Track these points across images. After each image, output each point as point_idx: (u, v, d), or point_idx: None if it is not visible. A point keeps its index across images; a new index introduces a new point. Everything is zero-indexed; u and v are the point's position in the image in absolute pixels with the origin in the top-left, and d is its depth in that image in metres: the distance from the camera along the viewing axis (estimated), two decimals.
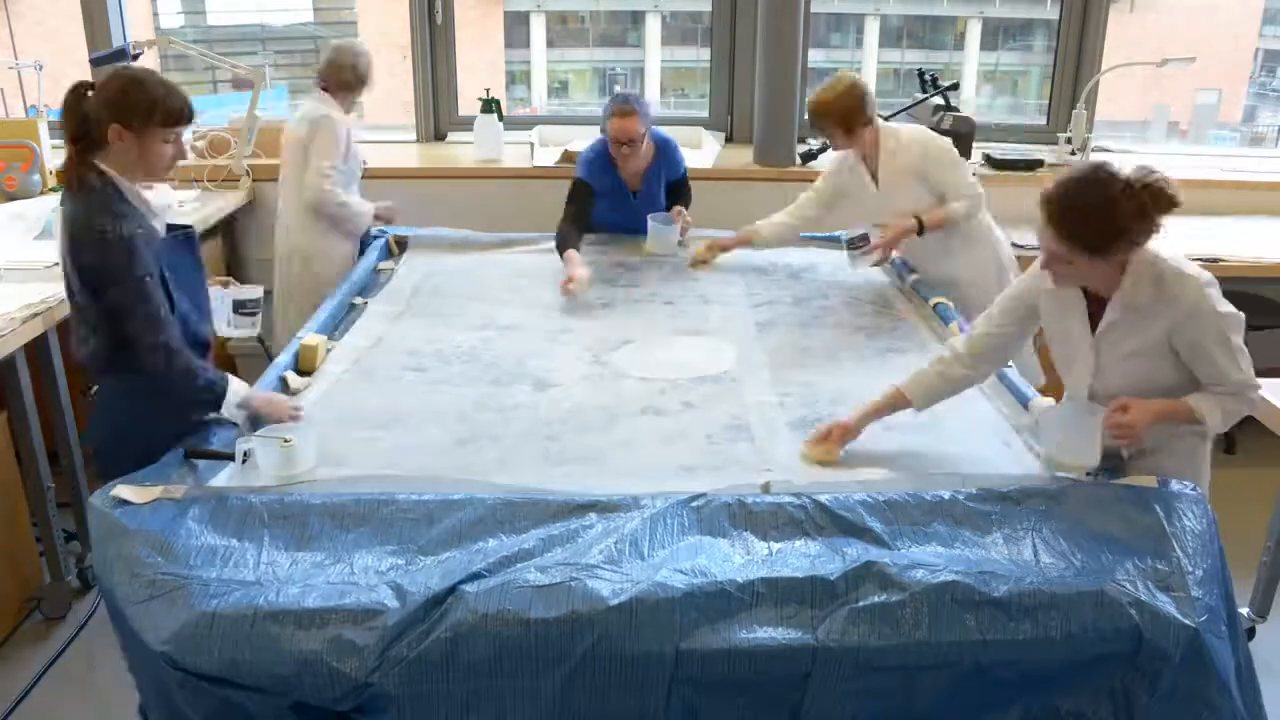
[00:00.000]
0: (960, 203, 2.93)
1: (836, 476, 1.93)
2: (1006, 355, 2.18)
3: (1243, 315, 1.92)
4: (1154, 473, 1.82)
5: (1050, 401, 1.96)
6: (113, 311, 1.90)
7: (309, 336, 2.51)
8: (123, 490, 1.72)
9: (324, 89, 3.30)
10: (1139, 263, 1.89)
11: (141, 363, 1.91)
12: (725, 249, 3.33)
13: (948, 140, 2.99)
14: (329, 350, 2.53)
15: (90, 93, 1.94)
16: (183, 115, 1.97)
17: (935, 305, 2.87)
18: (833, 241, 3.51)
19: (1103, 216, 1.80)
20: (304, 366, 2.42)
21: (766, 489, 1.82)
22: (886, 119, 3.09)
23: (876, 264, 3.12)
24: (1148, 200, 1.83)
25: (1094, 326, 1.95)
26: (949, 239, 3.01)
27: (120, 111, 1.90)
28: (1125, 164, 1.87)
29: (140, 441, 1.90)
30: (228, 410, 2.00)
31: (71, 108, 1.93)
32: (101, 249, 1.87)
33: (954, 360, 2.09)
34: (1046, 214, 1.83)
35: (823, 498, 1.72)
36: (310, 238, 3.34)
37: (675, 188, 3.45)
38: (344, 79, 3.30)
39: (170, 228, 2.13)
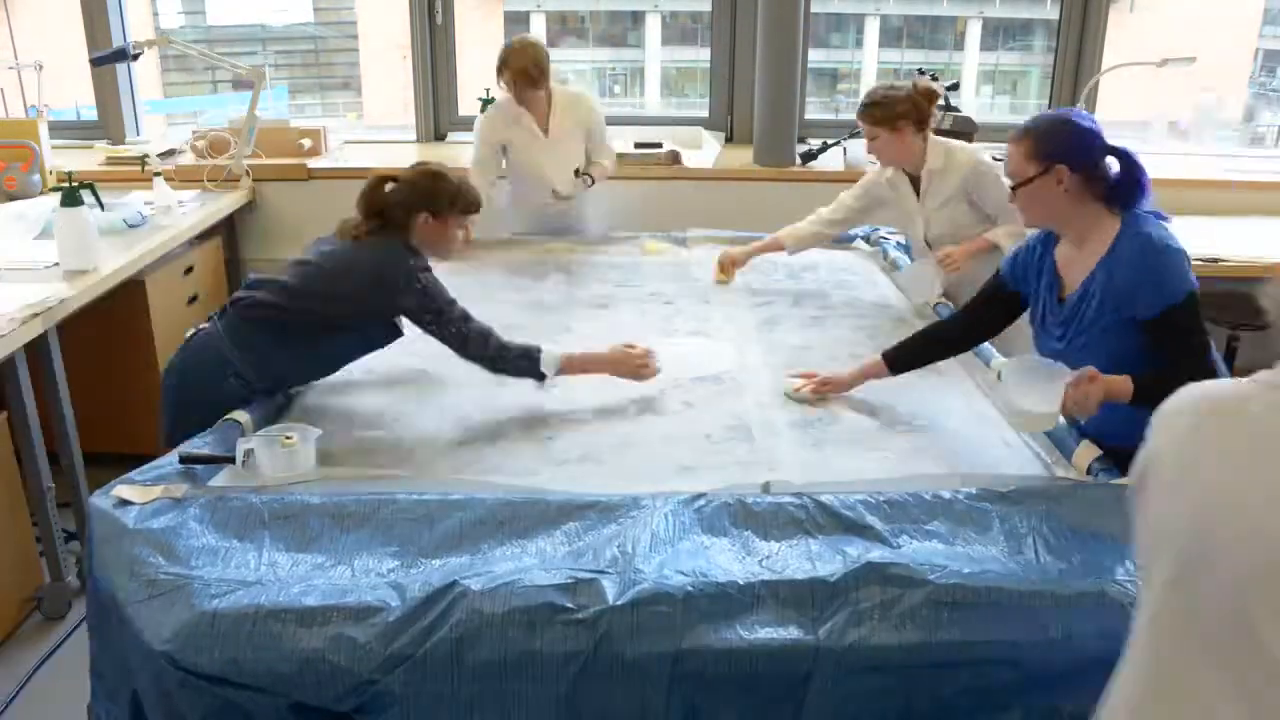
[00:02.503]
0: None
1: (836, 477, 1.93)
2: (848, 227, 3.21)
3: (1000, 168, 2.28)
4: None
5: (1013, 359, 1.99)
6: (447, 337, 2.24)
7: None
8: (123, 490, 1.72)
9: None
10: (933, 144, 2.84)
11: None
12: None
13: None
14: None
15: (391, 185, 2.27)
16: (478, 206, 2.37)
17: (935, 305, 2.87)
18: (843, 241, 3.52)
19: (889, 105, 2.77)
20: None
21: (766, 489, 1.82)
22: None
23: (939, 291, 2.87)
24: (921, 97, 2.79)
25: (917, 194, 2.86)
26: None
27: (428, 200, 2.26)
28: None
29: None
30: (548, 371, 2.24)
31: (370, 197, 2.27)
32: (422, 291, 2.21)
33: (819, 221, 3.09)
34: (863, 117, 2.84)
35: (823, 497, 1.72)
36: None
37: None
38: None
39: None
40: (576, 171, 3.42)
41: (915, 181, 2.92)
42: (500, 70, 3.27)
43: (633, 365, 2.32)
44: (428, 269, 2.25)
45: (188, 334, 2.30)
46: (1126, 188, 1.93)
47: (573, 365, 2.28)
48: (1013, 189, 1.98)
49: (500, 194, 3.55)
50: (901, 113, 2.79)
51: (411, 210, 2.25)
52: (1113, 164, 1.93)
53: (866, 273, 3.27)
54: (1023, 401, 1.89)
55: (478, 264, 3.30)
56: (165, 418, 2.28)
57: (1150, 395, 1.69)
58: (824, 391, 2.30)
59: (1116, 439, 1.88)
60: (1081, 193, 1.93)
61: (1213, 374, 1.86)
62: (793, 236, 3.15)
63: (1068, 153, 1.91)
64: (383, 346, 2.33)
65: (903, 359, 2.26)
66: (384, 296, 2.20)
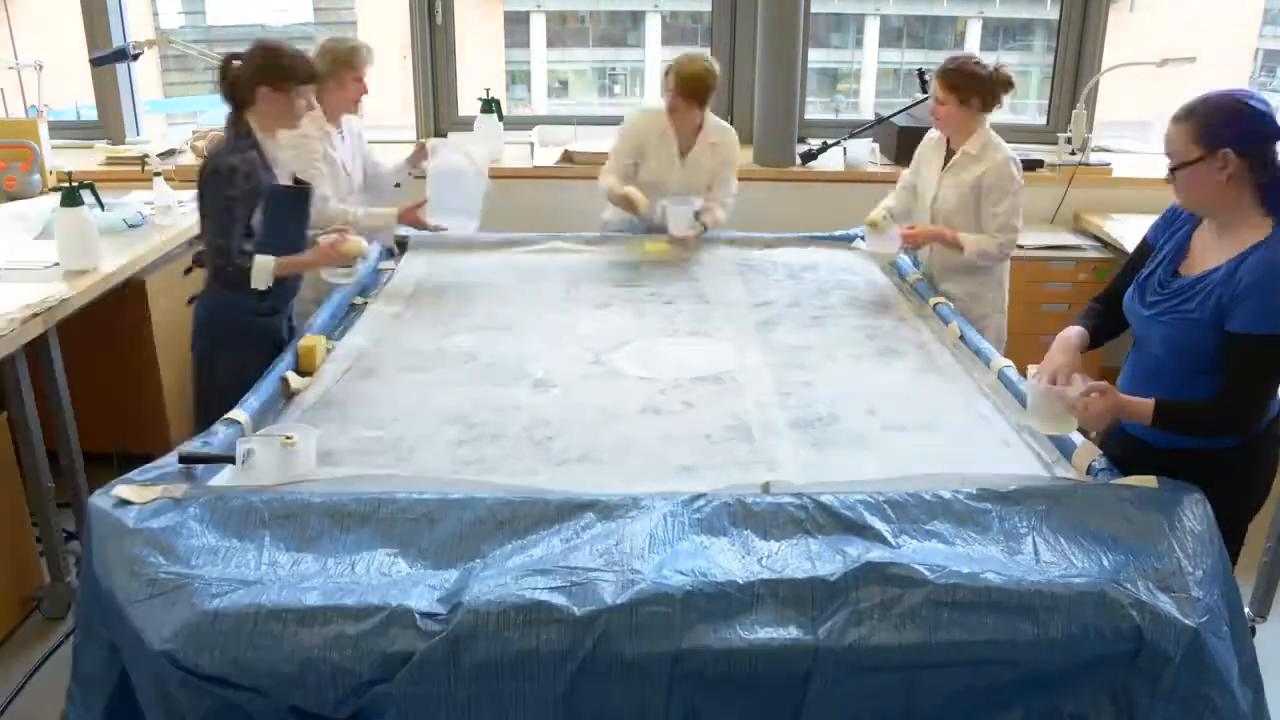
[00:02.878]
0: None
1: (836, 477, 1.93)
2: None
3: (1023, 186, 2.94)
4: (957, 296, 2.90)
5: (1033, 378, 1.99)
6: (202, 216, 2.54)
7: (307, 337, 2.50)
8: (123, 490, 1.72)
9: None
10: (982, 130, 2.95)
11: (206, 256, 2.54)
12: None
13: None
14: (329, 350, 2.53)
15: (236, 62, 2.51)
16: (315, 76, 2.63)
17: (935, 305, 2.87)
18: (842, 241, 3.52)
19: (972, 79, 2.87)
20: (304, 367, 2.42)
21: (766, 489, 1.82)
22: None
23: (894, 251, 3.13)
24: (999, 84, 2.89)
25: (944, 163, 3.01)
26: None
27: (267, 73, 2.50)
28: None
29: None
30: (259, 279, 2.48)
31: (221, 75, 2.54)
32: (211, 174, 2.48)
33: (888, 210, 3.15)
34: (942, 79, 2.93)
35: (823, 497, 1.72)
36: None
37: None
38: None
39: (292, 184, 2.65)
40: (696, 214, 3.33)
41: (949, 154, 3.03)
42: (667, 74, 3.22)
43: (335, 254, 2.62)
44: (238, 166, 2.44)
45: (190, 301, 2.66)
46: None
47: (282, 267, 2.52)
48: (1172, 170, 1.86)
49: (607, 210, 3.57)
50: (978, 90, 2.88)
51: (253, 84, 2.49)
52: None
53: (866, 273, 3.27)
54: (1041, 409, 1.92)
55: (478, 264, 3.31)
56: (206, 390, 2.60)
57: (1173, 422, 1.87)
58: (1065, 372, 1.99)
59: (1148, 435, 1.93)
60: (1244, 180, 1.81)
61: (1255, 414, 1.85)
62: (880, 220, 3.11)
63: (1237, 137, 1.79)
64: (303, 205, 2.65)
65: (1101, 332, 2.11)
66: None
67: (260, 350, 2.56)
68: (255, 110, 2.52)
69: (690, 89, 3.18)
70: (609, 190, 3.36)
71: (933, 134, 3.14)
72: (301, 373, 2.39)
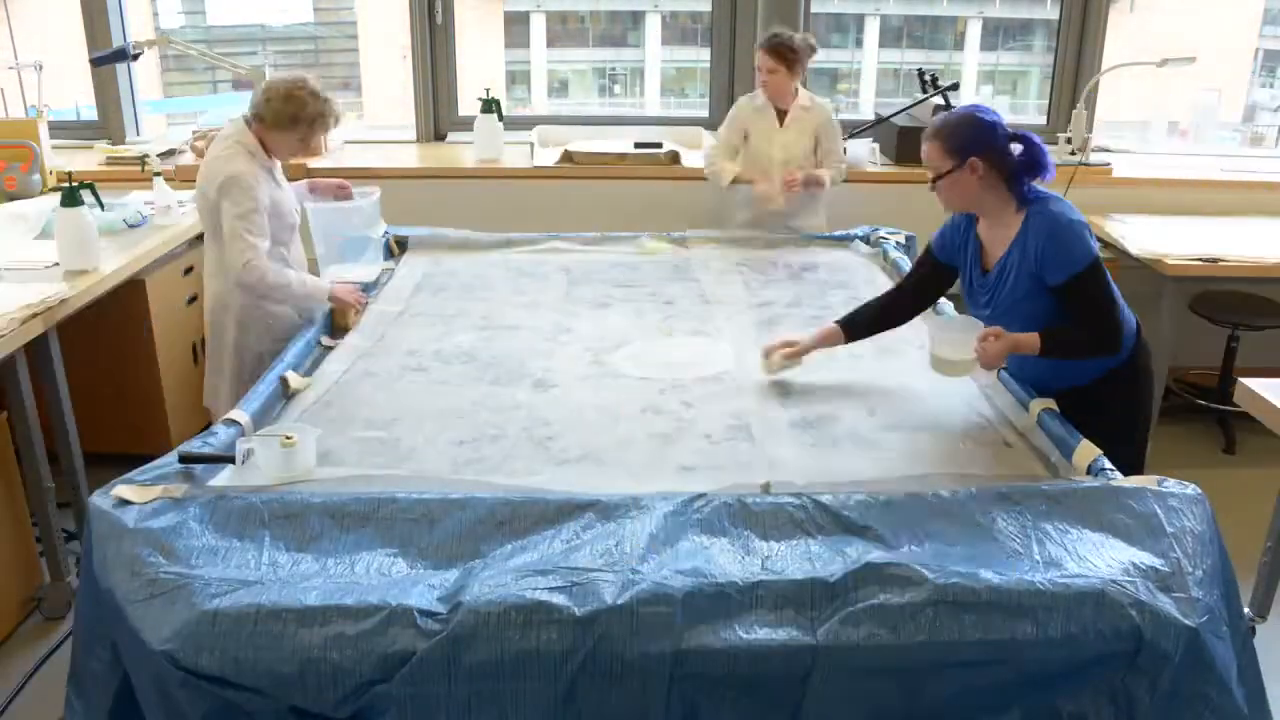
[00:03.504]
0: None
1: (836, 477, 1.93)
2: (734, 152, 3.63)
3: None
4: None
5: (938, 318, 2.23)
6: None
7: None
8: (123, 490, 1.72)
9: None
10: (801, 90, 3.54)
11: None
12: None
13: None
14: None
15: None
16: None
17: (935, 305, 2.87)
18: (843, 241, 3.53)
19: (796, 50, 3.42)
20: (339, 322, 2.72)
21: (766, 489, 1.82)
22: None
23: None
24: (808, 53, 3.48)
25: (781, 123, 3.53)
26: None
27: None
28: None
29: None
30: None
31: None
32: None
33: (719, 151, 3.66)
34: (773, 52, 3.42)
35: (823, 498, 1.72)
36: None
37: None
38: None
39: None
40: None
41: (780, 115, 3.55)
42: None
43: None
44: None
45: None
46: (1030, 168, 2.17)
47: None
48: (933, 180, 2.20)
49: None
50: (800, 60, 3.44)
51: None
52: (1016, 148, 2.17)
53: (866, 273, 3.27)
54: (942, 351, 2.21)
55: (478, 263, 3.31)
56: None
57: (1057, 348, 2.16)
58: (792, 356, 2.41)
59: (1058, 383, 2.23)
60: (994, 178, 2.16)
61: (1116, 330, 2.15)
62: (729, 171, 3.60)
63: (978, 145, 2.14)
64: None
65: (858, 327, 2.45)
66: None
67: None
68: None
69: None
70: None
71: (756, 100, 3.58)
72: (336, 329, 2.69)
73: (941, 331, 2.23)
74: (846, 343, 2.43)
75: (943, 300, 2.60)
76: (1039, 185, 2.21)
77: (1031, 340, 2.12)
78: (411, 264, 3.29)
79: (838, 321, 2.44)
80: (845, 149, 3.77)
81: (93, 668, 1.64)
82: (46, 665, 2.55)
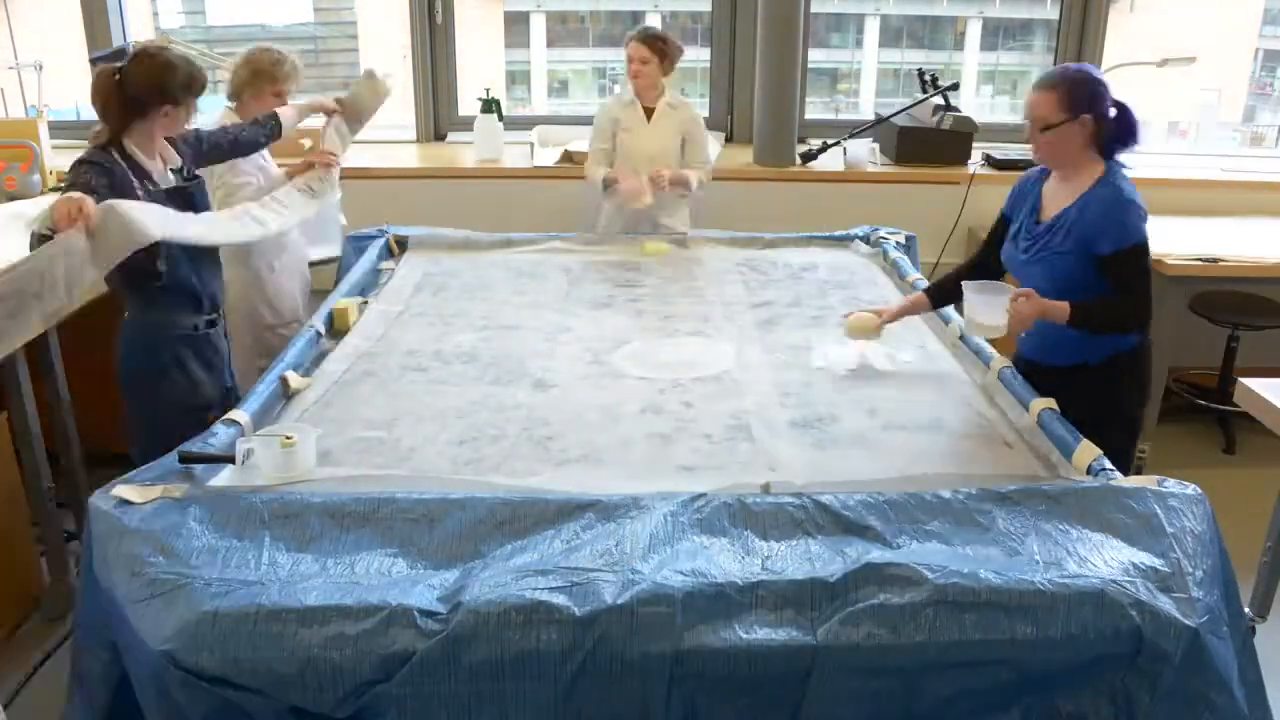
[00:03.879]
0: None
1: (836, 477, 1.93)
2: (609, 157, 3.57)
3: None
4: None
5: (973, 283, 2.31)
6: None
7: (340, 300, 2.75)
8: (123, 490, 1.72)
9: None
10: (669, 87, 3.53)
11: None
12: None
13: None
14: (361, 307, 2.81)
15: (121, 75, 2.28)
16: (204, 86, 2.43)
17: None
18: (843, 241, 3.53)
19: (668, 44, 3.45)
20: (338, 326, 2.69)
21: (766, 489, 1.82)
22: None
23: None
24: (678, 51, 3.50)
25: (649, 119, 3.55)
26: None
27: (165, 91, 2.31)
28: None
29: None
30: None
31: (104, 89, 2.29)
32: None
33: (597, 156, 3.59)
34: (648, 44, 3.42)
35: (823, 498, 1.72)
36: None
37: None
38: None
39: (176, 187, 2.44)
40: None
41: (648, 113, 3.53)
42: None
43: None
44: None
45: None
46: (1122, 135, 2.24)
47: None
48: (1041, 131, 2.22)
49: None
50: (672, 54, 3.44)
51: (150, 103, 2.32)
52: (1115, 116, 2.23)
53: (866, 273, 3.27)
54: (976, 314, 2.27)
55: (478, 263, 3.31)
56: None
57: (1086, 319, 2.21)
58: (880, 326, 2.55)
59: (1052, 358, 2.34)
60: (1091, 139, 2.22)
61: (1143, 312, 2.23)
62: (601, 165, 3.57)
63: (1093, 103, 2.20)
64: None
65: (944, 293, 2.57)
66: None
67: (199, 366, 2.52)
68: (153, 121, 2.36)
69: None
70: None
71: (623, 97, 3.58)
72: (335, 332, 2.65)
73: (974, 296, 2.28)
74: (934, 309, 2.62)
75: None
76: (1123, 157, 2.28)
77: (1061, 308, 2.17)
78: (411, 264, 3.29)
79: (925, 290, 2.61)
80: (711, 154, 3.70)
81: (93, 668, 1.64)
82: (46, 665, 2.55)
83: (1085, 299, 2.20)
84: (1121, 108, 2.23)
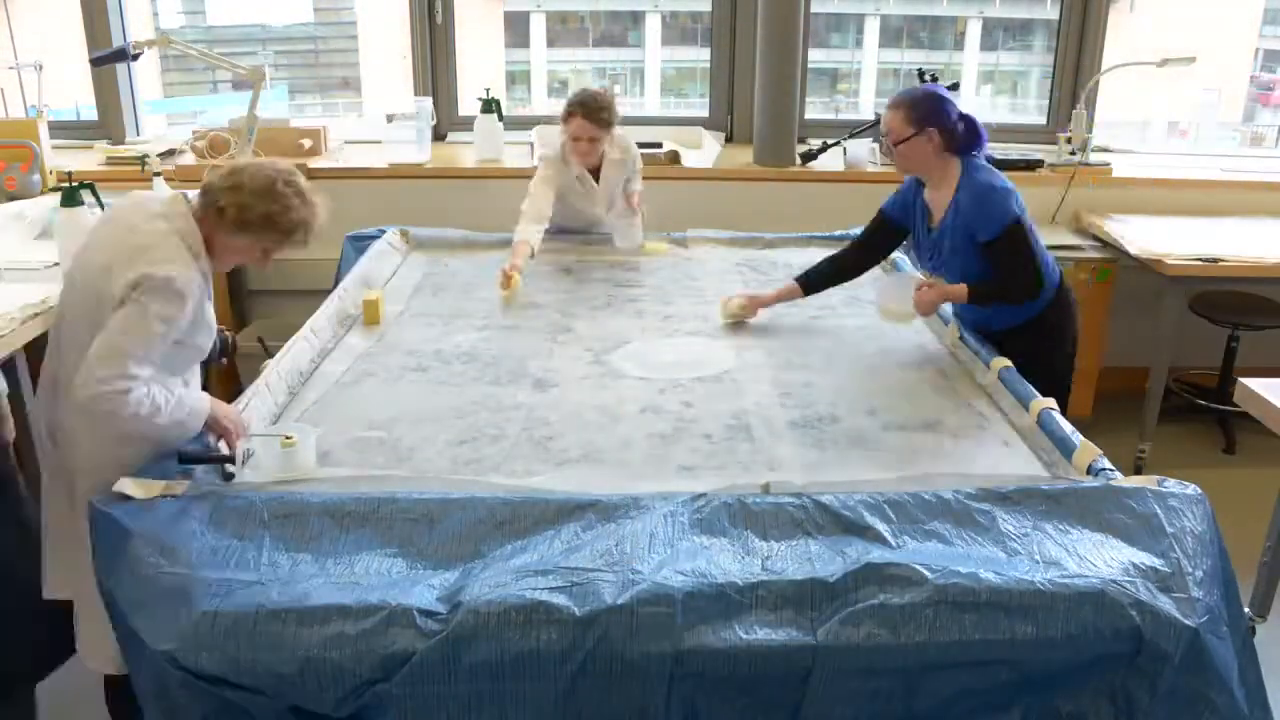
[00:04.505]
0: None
1: (836, 477, 1.93)
2: (547, 219, 3.24)
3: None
4: None
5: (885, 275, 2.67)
6: None
7: (368, 292, 2.82)
8: (125, 484, 1.71)
9: None
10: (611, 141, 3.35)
11: None
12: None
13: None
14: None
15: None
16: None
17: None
18: (842, 241, 3.53)
19: (611, 113, 3.21)
20: (369, 320, 2.74)
21: (766, 489, 1.82)
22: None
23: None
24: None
25: (597, 180, 3.37)
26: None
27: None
28: None
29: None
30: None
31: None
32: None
33: (531, 218, 3.20)
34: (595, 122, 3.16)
35: (823, 498, 1.72)
36: None
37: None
38: None
39: None
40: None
41: (594, 173, 3.32)
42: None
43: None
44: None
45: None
46: (969, 140, 2.52)
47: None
48: (895, 145, 2.52)
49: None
50: (615, 119, 3.21)
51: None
52: (961, 126, 2.50)
53: (866, 273, 3.26)
54: (887, 301, 2.65)
55: (478, 263, 3.31)
56: None
57: (982, 297, 2.54)
58: (751, 307, 2.78)
59: (997, 324, 2.58)
60: (942, 147, 2.50)
61: (1033, 282, 2.49)
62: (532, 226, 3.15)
63: (936, 118, 2.48)
64: None
65: (814, 283, 2.82)
66: None
67: None
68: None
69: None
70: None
71: (571, 170, 3.28)
72: (368, 323, 2.72)
73: (885, 285, 2.67)
74: (804, 296, 2.81)
75: (898, 255, 3.05)
76: (975, 158, 2.55)
77: (960, 290, 2.51)
78: (412, 264, 3.29)
79: (796, 279, 2.82)
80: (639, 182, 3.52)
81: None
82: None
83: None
84: (968, 119, 2.51)
